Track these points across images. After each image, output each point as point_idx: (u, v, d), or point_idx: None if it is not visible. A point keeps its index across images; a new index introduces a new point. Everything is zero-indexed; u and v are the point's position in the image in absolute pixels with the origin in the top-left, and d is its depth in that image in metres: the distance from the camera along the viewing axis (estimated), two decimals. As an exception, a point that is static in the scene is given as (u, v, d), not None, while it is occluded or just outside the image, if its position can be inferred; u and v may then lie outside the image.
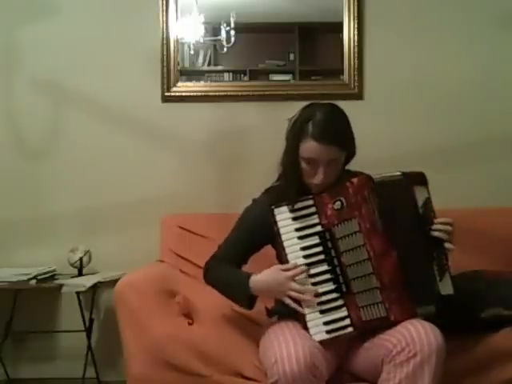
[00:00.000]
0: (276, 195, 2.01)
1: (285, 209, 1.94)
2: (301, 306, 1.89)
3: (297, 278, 1.90)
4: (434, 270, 1.87)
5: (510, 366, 2.01)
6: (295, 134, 1.97)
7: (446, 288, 1.87)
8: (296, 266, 1.90)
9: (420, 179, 1.92)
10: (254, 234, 2.04)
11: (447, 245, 1.88)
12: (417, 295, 1.86)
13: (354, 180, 1.89)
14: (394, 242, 1.86)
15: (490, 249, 2.54)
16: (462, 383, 1.99)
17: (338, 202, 1.90)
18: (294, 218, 1.93)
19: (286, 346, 1.79)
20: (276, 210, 1.94)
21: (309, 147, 1.92)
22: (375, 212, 1.86)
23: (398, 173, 1.91)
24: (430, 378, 1.74)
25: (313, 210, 1.93)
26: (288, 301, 1.90)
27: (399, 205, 1.89)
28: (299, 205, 1.93)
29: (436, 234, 1.88)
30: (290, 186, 1.98)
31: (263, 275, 1.95)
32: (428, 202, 1.90)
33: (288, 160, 2.01)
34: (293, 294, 1.89)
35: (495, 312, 2.09)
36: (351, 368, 1.97)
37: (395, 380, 1.76)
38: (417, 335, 1.76)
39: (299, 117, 1.99)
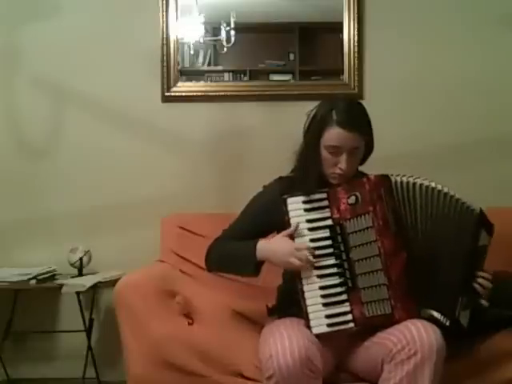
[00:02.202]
0: (288, 185, 2.03)
1: (297, 199, 1.95)
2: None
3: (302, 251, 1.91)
4: (463, 298, 1.90)
5: (511, 366, 2.01)
6: (317, 123, 1.99)
7: (463, 318, 1.90)
8: (297, 226, 1.93)
9: (490, 228, 2.00)
10: (261, 220, 2.05)
11: (483, 301, 1.94)
12: (435, 301, 1.88)
13: (371, 176, 1.92)
14: (442, 252, 1.89)
15: (490, 249, 2.53)
16: (462, 383, 1.99)
17: (353, 197, 1.91)
18: (306, 210, 1.95)
19: (281, 341, 1.80)
20: (289, 200, 1.95)
21: (334, 134, 1.95)
22: (389, 211, 1.88)
23: (478, 209, 1.97)
24: (431, 376, 1.75)
25: (325, 203, 1.94)
26: (289, 267, 1.93)
27: (460, 230, 1.93)
28: (312, 197, 1.95)
29: (476, 286, 1.93)
30: (309, 177, 1.99)
31: (269, 241, 1.99)
32: (485, 249, 1.97)
33: (308, 151, 2.02)
34: (295, 261, 1.89)
35: (495, 312, 2.09)
36: (350, 367, 1.97)
37: (396, 378, 1.76)
38: (417, 334, 1.77)
39: (320, 108, 2.02)
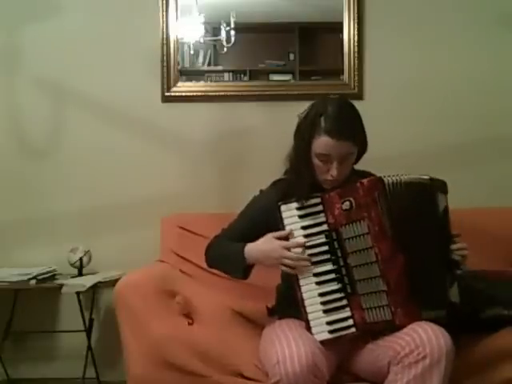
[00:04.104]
0: (284, 189, 2.01)
1: (292, 206, 1.93)
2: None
3: (292, 249, 1.90)
4: (446, 276, 1.89)
5: (510, 366, 2.01)
6: (307, 129, 1.96)
7: (454, 296, 1.89)
8: (292, 233, 1.92)
9: (444, 187, 1.93)
10: (258, 224, 2.03)
11: (462, 267, 1.90)
12: (426, 299, 1.86)
13: (364, 181, 1.88)
14: (410, 242, 1.86)
15: (490, 249, 2.54)
16: (462, 383, 1.99)
17: (347, 203, 1.88)
18: (301, 216, 1.93)
19: (288, 346, 1.79)
20: (283, 207, 1.93)
21: (322, 143, 1.91)
22: (384, 214, 1.85)
23: (426, 177, 1.91)
24: (439, 380, 1.74)
25: (320, 208, 1.92)
26: (283, 268, 1.91)
27: (420, 208, 1.89)
28: (306, 202, 1.93)
29: (456, 257, 1.89)
30: (302, 181, 1.97)
31: (258, 243, 1.97)
32: (446, 210, 1.92)
33: (299, 156, 2.00)
34: (287, 261, 1.89)
35: (495, 312, 2.09)
36: (352, 368, 1.97)
37: (403, 381, 1.75)
38: (427, 338, 1.76)
39: (310, 112, 1.98)
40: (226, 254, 2.06)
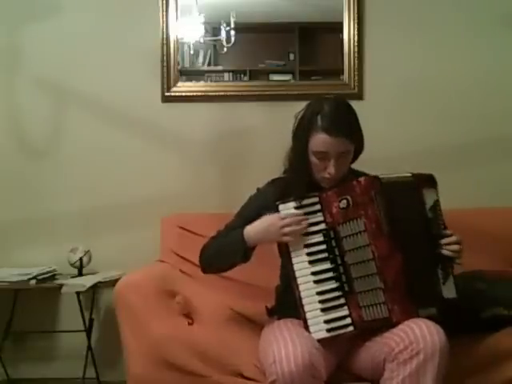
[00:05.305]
0: (282, 188, 2.02)
1: (290, 205, 1.94)
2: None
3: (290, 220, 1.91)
4: (438, 273, 1.88)
5: (510, 366, 2.01)
6: (304, 128, 1.97)
7: (449, 292, 1.88)
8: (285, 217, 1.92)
9: (430, 181, 1.92)
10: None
11: (457, 261, 1.90)
12: (420, 297, 1.86)
13: (361, 179, 1.89)
14: (400, 243, 1.86)
15: (490, 249, 2.54)
16: (462, 383, 1.99)
17: (344, 201, 1.89)
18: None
19: (285, 346, 1.79)
20: (281, 206, 1.94)
21: (319, 140, 1.92)
22: (381, 213, 1.85)
23: (408, 174, 1.91)
24: (433, 376, 1.75)
25: (318, 207, 1.93)
26: (284, 238, 1.92)
27: (407, 206, 1.89)
28: (304, 202, 1.93)
29: (446, 252, 1.89)
30: (299, 180, 1.98)
31: (255, 223, 1.98)
32: (437, 204, 1.91)
33: (297, 155, 2.01)
34: (286, 229, 1.90)
35: (495, 312, 2.09)
36: (351, 367, 1.97)
37: (398, 378, 1.76)
38: (420, 334, 1.77)
39: (306, 111, 1.99)
40: (223, 246, 2.05)
